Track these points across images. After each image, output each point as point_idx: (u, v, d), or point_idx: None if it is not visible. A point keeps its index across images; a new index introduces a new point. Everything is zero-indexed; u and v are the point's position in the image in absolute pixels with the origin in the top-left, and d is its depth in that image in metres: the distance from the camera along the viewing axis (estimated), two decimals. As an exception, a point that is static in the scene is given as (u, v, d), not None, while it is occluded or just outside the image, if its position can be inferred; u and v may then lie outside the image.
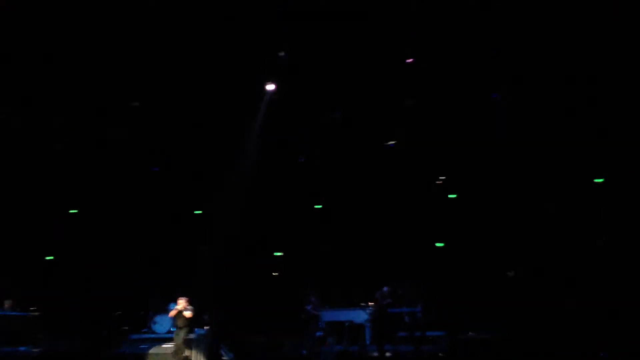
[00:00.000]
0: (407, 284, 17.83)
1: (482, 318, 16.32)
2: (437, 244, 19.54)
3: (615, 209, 16.69)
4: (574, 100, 15.45)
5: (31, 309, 16.89)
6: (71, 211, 19.62)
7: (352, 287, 18.23)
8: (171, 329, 15.83)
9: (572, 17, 13.63)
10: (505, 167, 17.49)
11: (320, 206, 20.54)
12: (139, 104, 16.66)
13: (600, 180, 17.32)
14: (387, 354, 14.97)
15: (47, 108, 16.41)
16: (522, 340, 14.14)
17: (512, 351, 13.60)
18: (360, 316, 17.03)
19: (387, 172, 18.60)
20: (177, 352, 14.34)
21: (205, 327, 16.07)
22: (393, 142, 18.46)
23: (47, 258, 19.67)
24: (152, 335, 16.57)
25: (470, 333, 16.33)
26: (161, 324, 17.01)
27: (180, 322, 14.49)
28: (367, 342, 16.68)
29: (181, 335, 14.40)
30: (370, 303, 16.56)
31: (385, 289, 16.10)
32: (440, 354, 14.65)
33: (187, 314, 14.39)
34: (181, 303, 14.49)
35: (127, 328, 17.56)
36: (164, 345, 15.06)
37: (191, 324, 14.72)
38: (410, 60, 15.51)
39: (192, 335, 14.97)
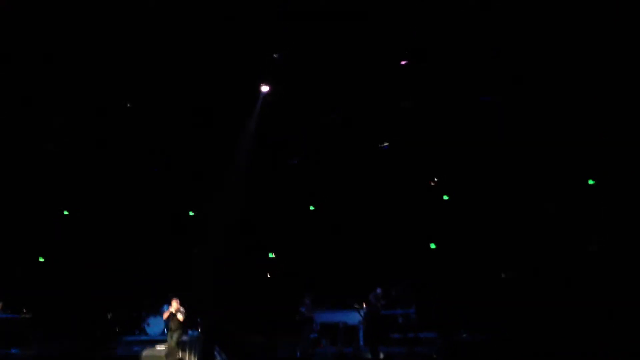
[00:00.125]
0: (401, 286, 17.87)
1: (475, 319, 16.36)
2: (431, 246, 19.55)
3: (612, 209, 16.71)
4: (574, 100, 15.48)
5: (23, 310, 16.80)
6: (64, 212, 19.52)
7: (346, 289, 18.21)
8: (164, 331, 15.78)
9: (572, 17, 13.66)
10: (498, 167, 17.54)
11: (313, 208, 20.53)
12: (139, 105, 16.60)
13: (591, 182, 17.38)
14: (381, 356, 15.00)
15: (47, 108, 16.37)
16: (515, 341, 14.18)
17: (505, 352, 13.65)
18: (354, 318, 17.04)
19: (381, 174, 18.60)
20: (170, 354, 14.30)
21: (198, 329, 16.03)
22: (387, 144, 18.47)
23: (39, 259, 19.57)
24: (145, 337, 16.50)
25: (463, 334, 16.37)
26: (154, 326, 16.95)
27: (173, 324, 14.45)
28: (361, 344, 16.68)
29: (174, 337, 14.36)
30: (364, 304, 16.57)
31: (378, 290, 16.15)
32: (433, 355, 14.67)
33: (180, 317, 14.35)
34: (174, 305, 14.45)
35: (119, 330, 17.49)
36: (157, 347, 14.99)
37: (184, 326, 14.68)
38: (404, 62, 15.52)
39: (185, 337, 14.93)
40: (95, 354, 15.34)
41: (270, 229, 19.77)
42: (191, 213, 20.31)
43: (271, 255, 20.66)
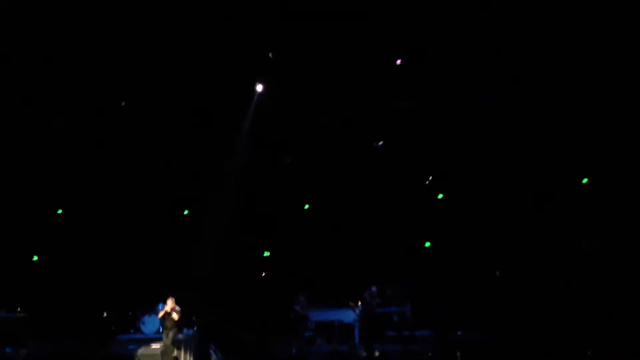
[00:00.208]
0: (396, 284, 17.90)
1: (470, 317, 16.40)
2: (426, 244, 19.58)
3: (611, 209, 16.73)
4: (573, 100, 15.51)
5: (17, 310, 16.74)
6: (58, 211, 19.46)
7: (341, 287, 18.22)
8: (160, 330, 15.76)
9: (572, 17, 13.69)
10: (498, 167, 17.55)
11: (307, 206, 20.53)
12: (139, 104, 16.57)
13: (585, 180, 17.42)
14: (376, 354, 15.02)
15: (47, 108, 16.32)
16: (511, 340, 14.22)
17: (500, 350, 13.69)
18: (349, 316, 17.06)
19: (377, 173, 18.61)
20: (165, 352, 14.29)
21: (194, 328, 16.01)
22: (381, 143, 18.48)
23: (34, 258, 19.50)
24: (141, 336, 16.48)
25: (458, 332, 16.41)
26: (149, 325, 16.92)
27: (168, 323, 14.43)
28: (356, 342, 16.71)
29: (170, 335, 14.35)
30: (359, 303, 16.58)
31: (373, 288, 16.19)
32: (429, 354, 14.71)
33: (175, 315, 14.33)
34: (169, 304, 14.44)
35: (115, 328, 17.45)
36: (152, 346, 14.98)
37: (180, 324, 14.66)
38: (399, 61, 15.53)
39: (180, 336, 14.91)
40: (90, 353, 15.29)
41: (265, 227, 19.75)
42: (186, 212, 20.26)
43: (266, 253, 20.65)
